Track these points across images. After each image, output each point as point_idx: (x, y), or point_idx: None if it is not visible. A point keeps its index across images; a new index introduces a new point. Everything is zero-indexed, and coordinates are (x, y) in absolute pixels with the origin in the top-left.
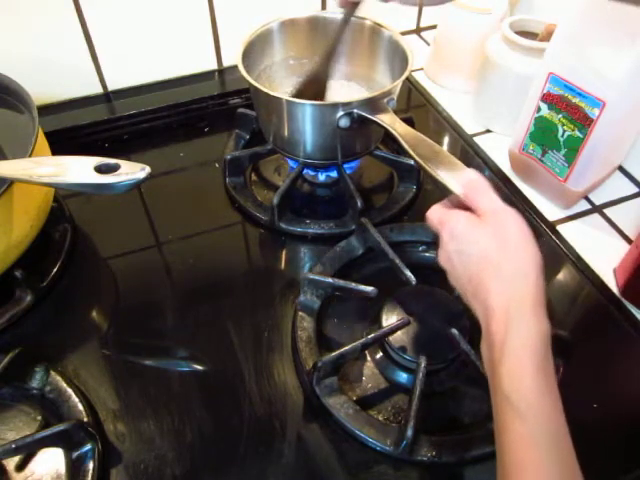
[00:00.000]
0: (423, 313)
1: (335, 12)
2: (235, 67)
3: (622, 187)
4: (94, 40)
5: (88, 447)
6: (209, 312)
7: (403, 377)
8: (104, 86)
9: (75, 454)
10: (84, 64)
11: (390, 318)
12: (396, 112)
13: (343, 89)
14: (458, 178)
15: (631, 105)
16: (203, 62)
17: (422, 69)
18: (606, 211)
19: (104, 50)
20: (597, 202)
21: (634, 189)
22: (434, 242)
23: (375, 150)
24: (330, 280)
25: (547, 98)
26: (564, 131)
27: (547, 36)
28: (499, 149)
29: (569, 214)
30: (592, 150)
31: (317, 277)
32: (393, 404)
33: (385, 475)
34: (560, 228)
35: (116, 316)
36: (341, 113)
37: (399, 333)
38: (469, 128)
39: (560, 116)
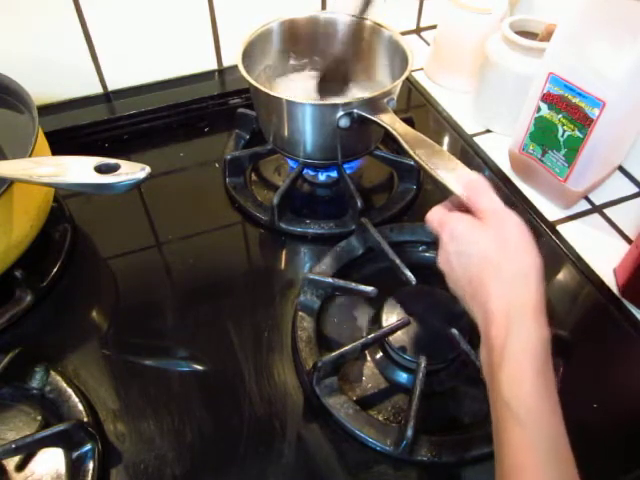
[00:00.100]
0: (423, 313)
1: (335, 12)
2: (235, 67)
3: (622, 187)
4: (94, 40)
5: (88, 447)
6: (209, 312)
7: (403, 377)
8: (104, 86)
9: (75, 454)
10: (84, 64)
11: (390, 318)
12: (396, 112)
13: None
14: (458, 178)
15: (631, 105)
16: (203, 62)
17: (422, 69)
18: (606, 211)
19: (104, 50)
20: (597, 202)
21: (634, 189)
22: (434, 242)
23: (375, 150)
24: (330, 280)
25: (547, 98)
26: (564, 131)
27: (547, 36)
28: (499, 149)
29: (569, 214)
30: (592, 150)
31: (317, 277)
32: (393, 404)
33: (385, 475)
34: (560, 228)
35: (116, 316)
36: (341, 113)
37: (399, 333)
38: (469, 128)
39: (560, 116)
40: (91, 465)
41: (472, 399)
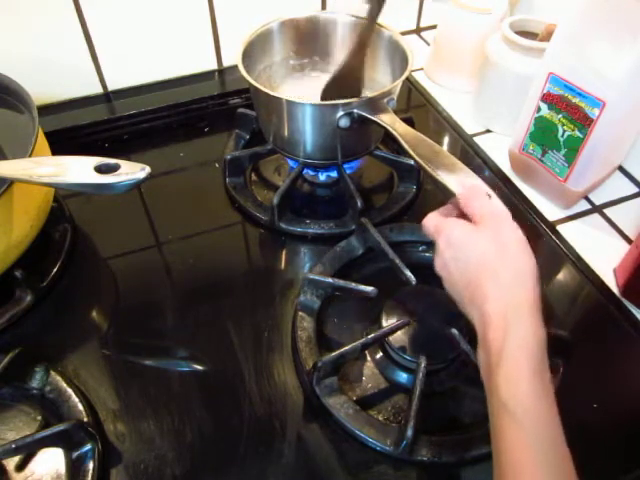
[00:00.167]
0: (423, 313)
1: (335, 12)
2: (235, 67)
3: (622, 187)
4: (94, 40)
5: (88, 447)
6: (209, 312)
7: (403, 377)
8: (104, 86)
9: (75, 454)
10: (84, 64)
11: (390, 318)
12: (396, 112)
13: None
14: (458, 181)
15: (631, 105)
16: (203, 62)
17: (422, 69)
18: (606, 211)
19: (104, 50)
20: (597, 202)
21: (634, 189)
22: (434, 242)
23: (375, 150)
24: (330, 280)
25: (547, 98)
26: (564, 131)
27: (547, 36)
28: (499, 149)
29: (569, 214)
30: (592, 150)
31: (317, 277)
32: (393, 404)
33: (385, 475)
34: (560, 228)
35: (116, 316)
36: (341, 113)
37: (399, 333)
38: (469, 128)
39: (560, 116)
40: (91, 465)
41: (472, 399)
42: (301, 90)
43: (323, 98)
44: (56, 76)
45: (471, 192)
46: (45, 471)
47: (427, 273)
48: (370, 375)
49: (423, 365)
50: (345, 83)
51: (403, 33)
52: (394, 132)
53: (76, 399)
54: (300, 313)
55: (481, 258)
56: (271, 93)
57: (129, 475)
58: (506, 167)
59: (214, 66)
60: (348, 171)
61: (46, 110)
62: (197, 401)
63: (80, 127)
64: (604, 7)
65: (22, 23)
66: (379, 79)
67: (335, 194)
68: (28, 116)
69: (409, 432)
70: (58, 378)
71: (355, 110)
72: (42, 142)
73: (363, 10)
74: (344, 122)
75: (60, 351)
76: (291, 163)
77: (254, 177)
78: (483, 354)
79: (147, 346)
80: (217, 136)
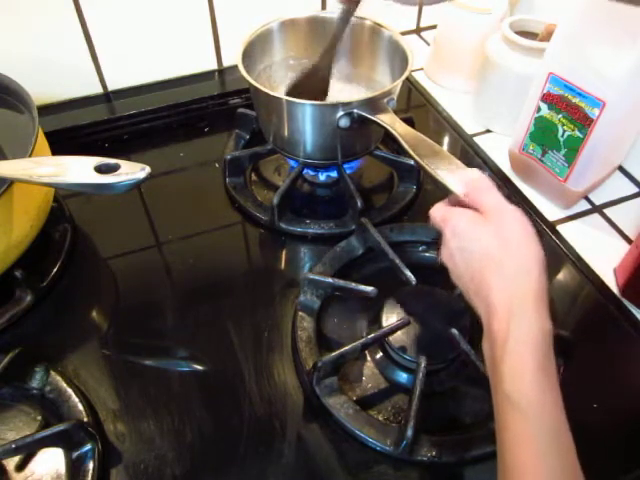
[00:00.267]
0: (423, 313)
1: (335, 12)
2: (235, 67)
3: (622, 187)
4: (94, 40)
5: (88, 447)
6: (209, 312)
7: (403, 377)
8: (104, 86)
9: (75, 454)
10: (84, 64)
11: (390, 318)
12: (396, 112)
13: (344, 89)
14: (459, 178)
15: (631, 105)
16: (203, 62)
17: (422, 69)
18: (606, 211)
19: (104, 50)
20: (597, 202)
21: (634, 189)
22: (434, 242)
23: (375, 150)
24: (330, 280)
25: (547, 98)
26: (564, 131)
27: (547, 36)
28: (499, 149)
29: (569, 214)
30: (592, 150)
31: (317, 277)
32: (393, 404)
33: (385, 475)
34: (560, 228)
35: (116, 316)
36: (341, 113)
37: (399, 333)
38: (469, 128)
39: (560, 116)
40: (91, 465)
41: (472, 399)
42: None
43: (288, 95)
44: (56, 76)
45: (473, 187)
46: (45, 471)
47: (427, 273)
48: (370, 375)
49: (423, 365)
50: (311, 82)
51: (403, 33)
52: (394, 132)
53: (76, 399)
54: (300, 313)
55: (486, 250)
56: (271, 93)
57: (129, 475)
58: (506, 167)
59: (214, 66)
60: (348, 171)
61: (46, 110)
62: (197, 401)
63: (80, 127)
64: (604, 7)
65: (22, 23)
66: (379, 79)
67: (335, 194)
68: (28, 116)
69: (409, 432)
70: (58, 378)
71: (355, 110)
72: (42, 142)
73: (361, 9)
74: (344, 122)
75: (60, 351)
76: (291, 163)
77: (254, 177)
78: (488, 346)
79: (147, 346)
80: (217, 136)
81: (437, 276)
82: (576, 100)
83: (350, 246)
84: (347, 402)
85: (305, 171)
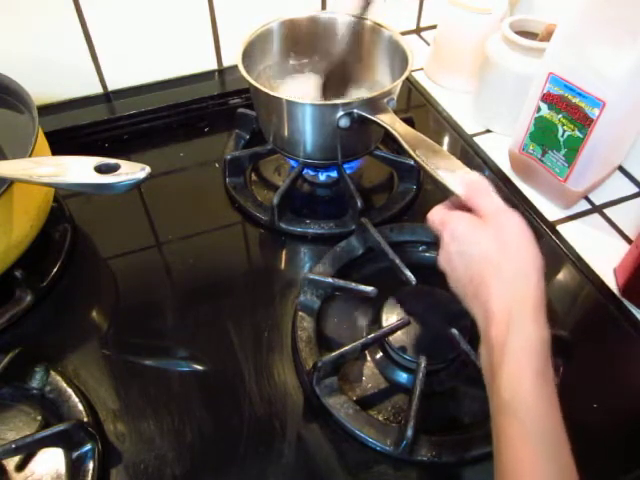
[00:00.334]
0: (423, 313)
1: (335, 12)
2: (235, 67)
3: (622, 187)
4: (94, 40)
5: (88, 447)
6: (209, 312)
7: (403, 377)
8: (104, 86)
9: (75, 454)
10: (84, 64)
11: (390, 318)
12: (396, 112)
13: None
14: (459, 179)
15: (631, 105)
16: (203, 62)
17: (422, 69)
18: (606, 211)
19: (104, 50)
20: (597, 202)
21: (634, 189)
22: (434, 242)
23: (375, 150)
24: (330, 280)
25: (547, 98)
26: (564, 131)
27: (547, 36)
28: (499, 149)
29: (569, 214)
30: (592, 150)
31: (317, 277)
32: (393, 404)
33: (385, 475)
34: (560, 228)
35: (116, 316)
36: (341, 113)
37: (399, 333)
38: (469, 128)
39: (560, 116)
40: (91, 465)
41: (472, 399)
42: (301, 90)
43: (323, 96)
44: (56, 76)
45: (475, 188)
46: (45, 471)
47: (427, 273)
48: (370, 375)
49: (423, 365)
50: (339, 80)
51: (403, 33)
52: (394, 132)
53: (76, 399)
54: (300, 313)
55: (485, 254)
56: (271, 93)
57: (129, 475)
58: (506, 167)
59: (214, 66)
60: (348, 171)
61: (46, 110)
62: (197, 401)
63: (80, 127)
64: (604, 7)
65: (22, 23)
66: (379, 79)
67: (335, 194)
68: (28, 116)
69: (409, 432)
70: (58, 378)
71: (355, 110)
72: (42, 142)
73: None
74: (344, 122)
75: (60, 351)
76: (291, 163)
77: (254, 177)
78: (485, 351)
79: (147, 346)
80: (217, 136)
81: (437, 276)
82: (576, 100)
83: (350, 246)
84: (347, 402)
85: (305, 171)
